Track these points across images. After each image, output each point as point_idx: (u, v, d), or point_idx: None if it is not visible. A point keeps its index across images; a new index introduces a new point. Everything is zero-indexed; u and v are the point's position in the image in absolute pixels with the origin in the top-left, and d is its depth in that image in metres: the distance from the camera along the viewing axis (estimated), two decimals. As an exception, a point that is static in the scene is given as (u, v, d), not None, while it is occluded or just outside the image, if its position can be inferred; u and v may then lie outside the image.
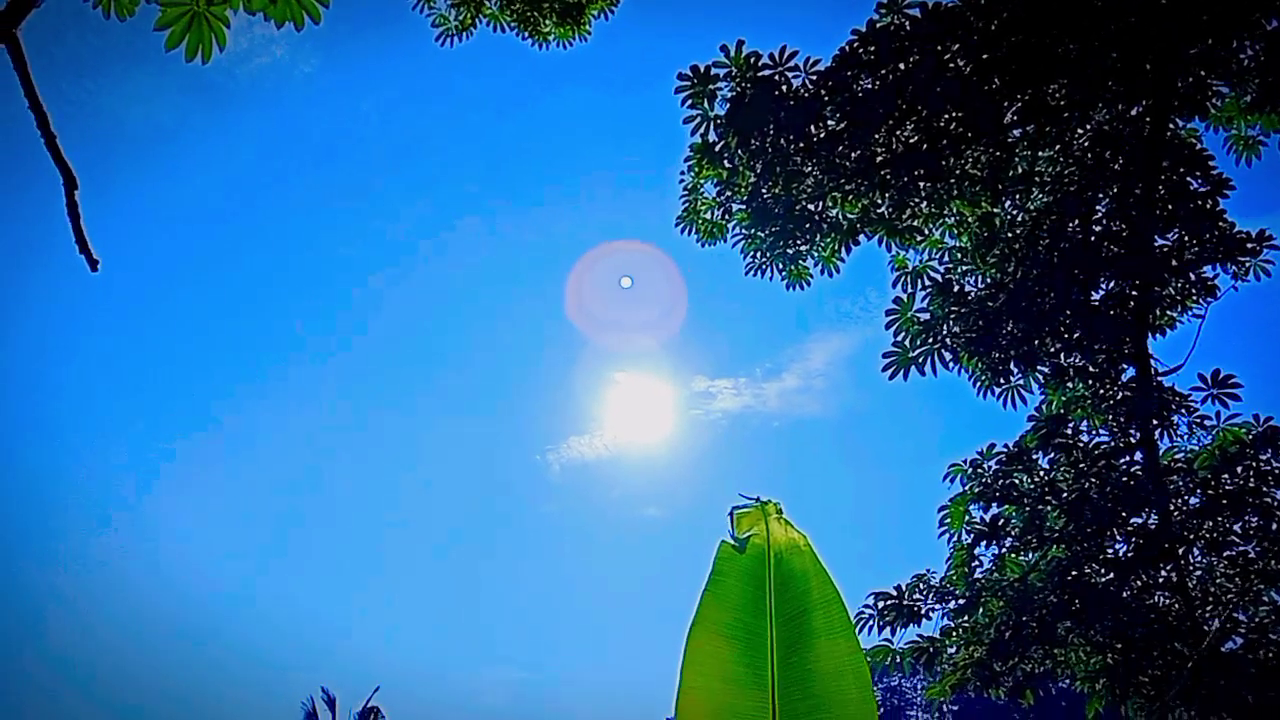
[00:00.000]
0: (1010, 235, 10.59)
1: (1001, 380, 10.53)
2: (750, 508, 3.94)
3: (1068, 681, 11.38)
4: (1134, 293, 10.26)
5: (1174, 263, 10.06)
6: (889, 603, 10.35)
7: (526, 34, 11.09)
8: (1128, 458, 10.39)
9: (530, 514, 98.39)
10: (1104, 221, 10.42)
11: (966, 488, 10.51)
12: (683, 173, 10.68)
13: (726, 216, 10.79)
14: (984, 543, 10.52)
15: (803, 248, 10.62)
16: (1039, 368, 10.48)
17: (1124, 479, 10.13)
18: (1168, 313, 10.59)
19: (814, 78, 9.67)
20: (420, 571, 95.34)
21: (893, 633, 10.52)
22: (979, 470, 10.48)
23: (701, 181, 10.69)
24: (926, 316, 10.38)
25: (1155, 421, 10.20)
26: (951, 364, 10.35)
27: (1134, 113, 10.09)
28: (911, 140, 9.89)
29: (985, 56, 9.40)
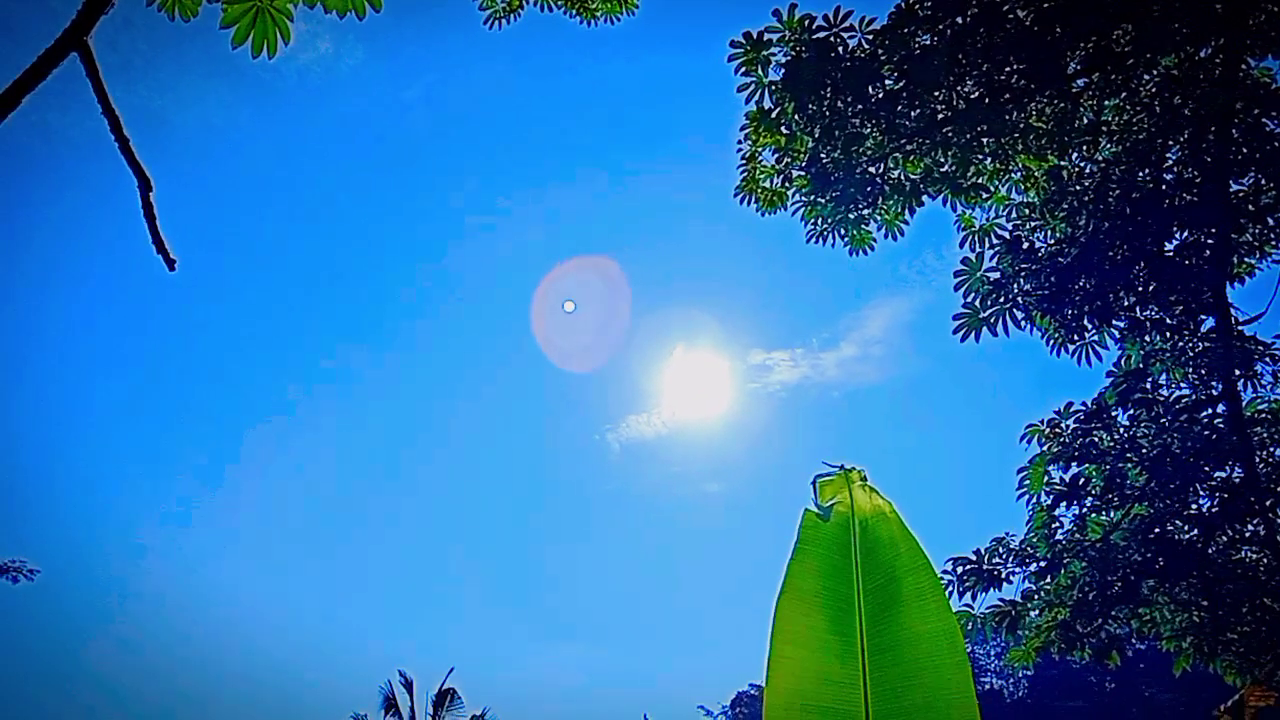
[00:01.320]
0: (1079, 188, 10.32)
1: (1075, 337, 10.29)
2: (833, 476, 3.88)
3: (1153, 641, 11.19)
4: (1210, 241, 9.97)
5: (1251, 208, 9.76)
6: (968, 568, 10.22)
7: (574, 11, 11.00)
8: (1210, 410, 10.14)
9: (593, 493, 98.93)
10: (1176, 169, 10.12)
11: (1044, 448, 10.33)
12: (739, 141, 10.54)
13: (786, 184, 10.63)
14: (1064, 503, 10.34)
15: (865, 211, 10.44)
16: (1114, 323, 10.23)
17: (1207, 432, 9.88)
18: (1246, 260, 10.29)
19: (870, 37, 9.46)
20: (490, 555, 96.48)
21: (973, 598, 10.41)
22: (1057, 430, 10.29)
23: (759, 149, 10.54)
24: (996, 275, 10.16)
25: (1237, 372, 9.92)
26: (1023, 323, 10.14)
27: (1204, 54, 9.76)
28: (973, 96, 9.66)
29: (1046, 5, 9.13)
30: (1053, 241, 10.42)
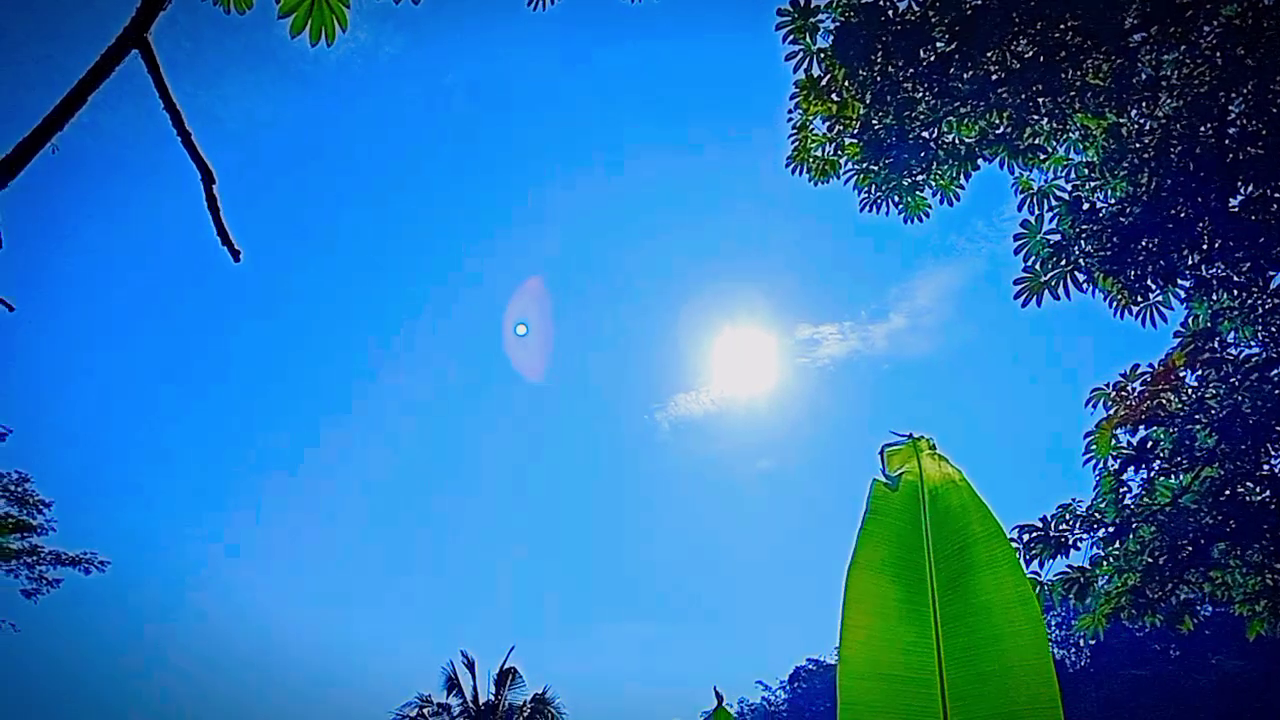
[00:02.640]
0: (1139, 145, 10.08)
1: (1139, 298, 10.08)
2: (901, 445, 3.84)
3: (1223, 607, 10.99)
4: (1278, 195, 9.70)
5: (1320, 159, 9.47)
6: (1035, 535, 10.09)
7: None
8: (1281, 368, 9.89)
9: (645, 472, 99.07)
10: (1240, 122, 9.84)
11: (1111, 412, 10.14)
12: (789, 111, 10.42)
13: (838, 152, 10.50)
14: (1132, 467, 10.17)
15: (919, 177, 10.29)
16: (1179, 282, 10.01)
17: (1278, 391, 9.65)
18: (1316, 213, 9.99)
19: (921, -1, 9.32)
20: (548, 538, 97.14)
21: (1040, 565, 10.28)
22: (1123, 393, 10.10)
23: (809, 118, 10.42)
24: (1056, 238, 9.98)
25: (1310, 328, 9.68)
26: (1085, 285, 9.95)
27: (1267, 2, 9.47)
28: (1027, 55, 9.46)
29: (1101, -42, 8.92)
30: (1114, 201, 10.20)
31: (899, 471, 3.72)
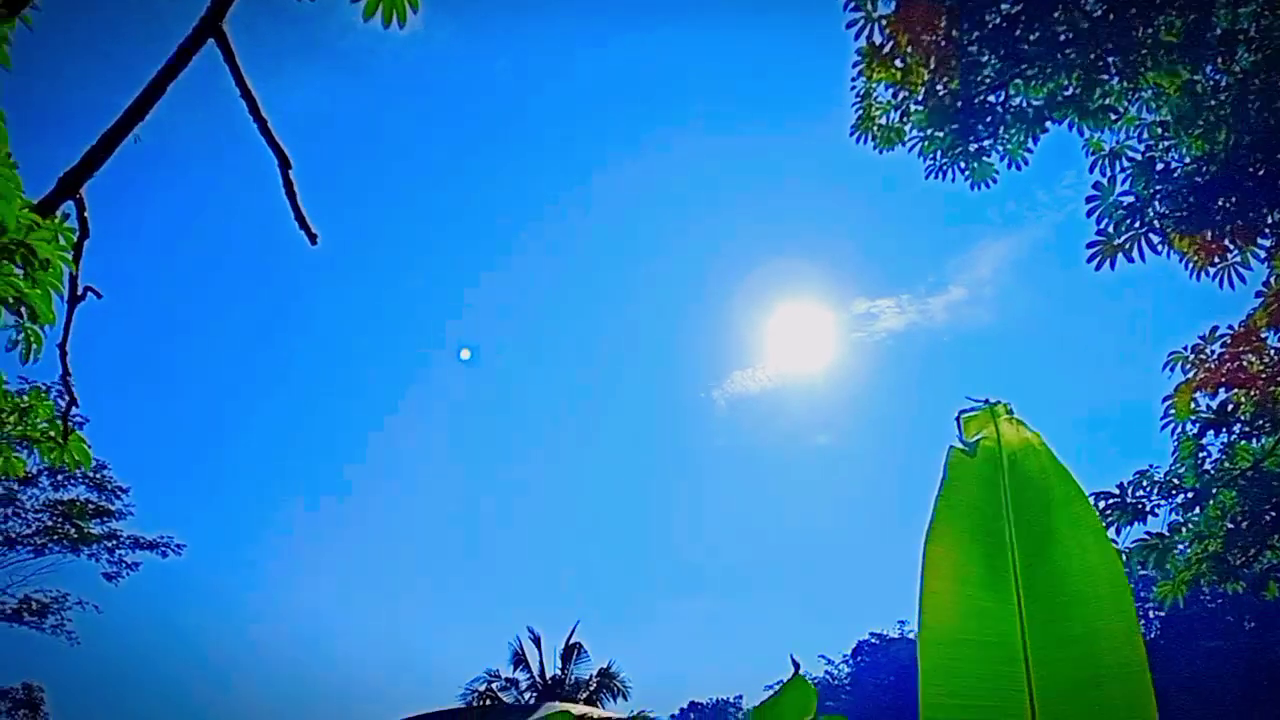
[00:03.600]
0: (1215, 102, 9.82)
1: (1217, 259, 9.85)
2: (978, 411, 3.83)
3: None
4: (1361, 148, 9.41)
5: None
6: (1111, 502, 9.95)
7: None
8: (1367, 326, 9.64)
9: (703, 450, 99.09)
10: (1322, 74, 9.55)
11: (1189, 375, 9.94)
12: (852, 79, 10.32)
13: (903, 119, 10.37)
14: (1212, 431, 9.96)
15: (986, 143, 10.14)
16: (1259, 241, 9.76)
17: (1365, 350, 9.41)
18: (1402, 166, 9.68)
19: (986, -40, 9.16)
20: (610, 517, 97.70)
21: (1117, 533, 10.14)
22: (1202, 356, 9.89)
23: (873, 86, 10.30)
24: (1130, 199, 9.76)
25: (1396, 285, 9.41)
26: (1160, 247, 9.74)
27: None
28: (1096, 13, 9.28)
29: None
30: (1189, 160, 9.97)
31: (976, 438, 3.71)
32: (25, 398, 4.71)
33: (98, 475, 33.63)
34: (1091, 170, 10.30)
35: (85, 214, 4.44)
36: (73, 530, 34.64)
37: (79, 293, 4.45)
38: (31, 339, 3.84)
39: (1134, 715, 2.84)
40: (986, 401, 3.56)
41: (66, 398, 4.73)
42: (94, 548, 35.44)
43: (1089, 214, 9.73)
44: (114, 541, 35.52)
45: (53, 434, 4.84)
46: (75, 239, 4.25)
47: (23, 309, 3.66)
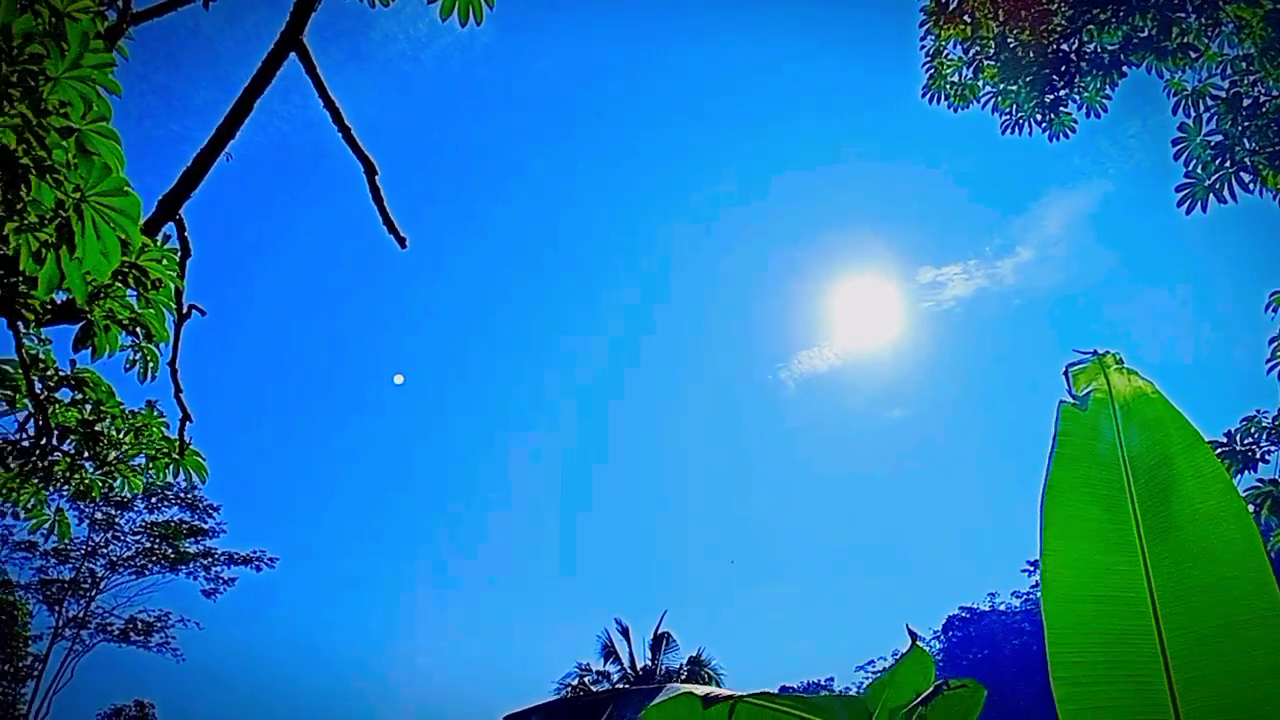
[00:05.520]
0: (1303, 30, 9.45)
1: (1314, 193, 9.49)
2: (1086, 364, 3.73)
3: None
4: None
5: None
6: (1220, 450, 9.67)
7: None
8: None
9: (773, 433, 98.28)
10: None
11: (1293, 314, 9.60)
12: (921, 39, 10.15)
13: (976, 75, 10.17)
14: (1323, 370, 9.62)
15: (1062, 92, 9.90)
16: (1358, 170, 9.37)
17: None
18: None
19: (1051, -96, 8.93)
20: (687, 506, 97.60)
21: (1225, 482, 9.84)
22: (1306, 294, 9.54)
23: (943, 44, 10.12)
24: (1218, 138, 9.44)
25: None
26: (1252, 184, 9.41)
27: None
28: (1169, -51, 8.99)
29: None
30: (1277, 93, 9.60)
31: (1086, 390, 3.63)
32: (140, 416, 4.88)
33: (189, 495, 34.82)
34: (1175, 112, 10.00)
35: (185, 233, 4.60)
36: (170, 550, 35.93)
37: (184, 310, 4.62)
38: (149, 358, 3.98)
39: (1273, 661, 2.79)
40: (1094, 353, 3.50)
41: (180, 413, 4.91)
42: (191, 566, 36.73)
43: (1176, 157, 9.44)
44: (210, 559, 36.79)
45: (166, 450, 5.01)
46: (177, 259, 4.41)
47: (138, 329, 3.80)
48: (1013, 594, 53.98)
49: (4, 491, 4.70)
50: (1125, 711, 2.96)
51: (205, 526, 36.09)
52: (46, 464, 4.69)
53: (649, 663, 36.65)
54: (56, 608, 36.07)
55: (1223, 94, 9.78)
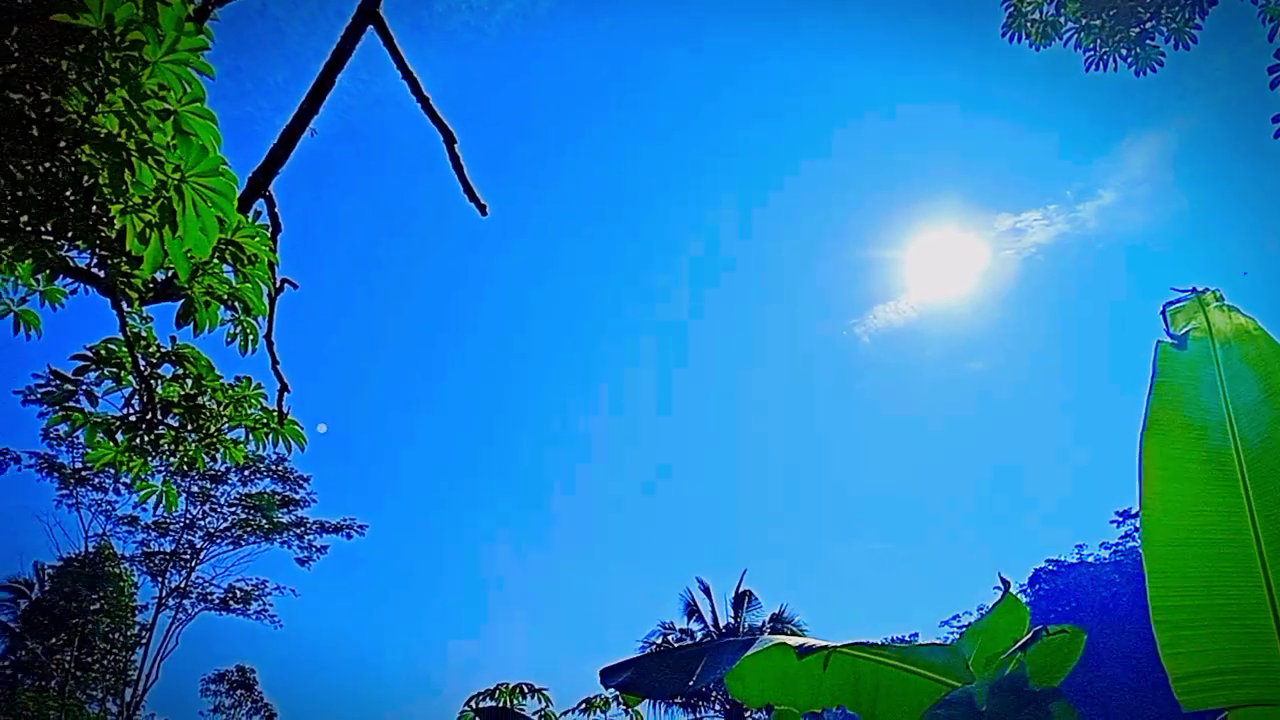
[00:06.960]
0: None
1: None
2: (1185, 302, 3.63)
3: None
4: None
5: None
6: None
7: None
8: None
9: (851, 389, 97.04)
10: None
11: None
12: (999, -26, 9.87)
13: (1059, 9, 9.86)
14: None
15: (1148, 24, 9.55)
16: None
17: None
18: None
19: None
20: (766, 465, 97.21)
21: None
22: None
23: (1022, -21, 9.83)
24: (1318, 65, 9.03)
25: None
26: (1357, 112, 8.99)
27: None
28: None
29: None
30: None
31: (1185, 329, 3.53)
32: (239, 388, 5.04)
33: (280, 468, 36.08)
34: (1271, 39, 9.57)
35: (275, 209, 4.72)
36: (264, 521, 37.30)
37: (278, 285, 4.75)
38: (249, 331, 4.12)
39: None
40: (1194, 290, 3.40)
41: (278, 384, 5.07)
42: (285, 535, 38.08)
43: (1273, 85, 9.05)
44: (302, 528, 38.11)
45: (265, 420, 5.17)
46: (269, 234, 4.53)
47: (236, 304, 3.93)
48: (1101, 545, 52.90)
49: (116, 464, 4.89)
50: (1231, 654, 2.92)
51: (297, 497, 37.55)
52: (153, 437, 4.87)
53: (732, 620, 36.88)
54: (160, 579, 37.96)
55: (1323, 17, 9.34)
